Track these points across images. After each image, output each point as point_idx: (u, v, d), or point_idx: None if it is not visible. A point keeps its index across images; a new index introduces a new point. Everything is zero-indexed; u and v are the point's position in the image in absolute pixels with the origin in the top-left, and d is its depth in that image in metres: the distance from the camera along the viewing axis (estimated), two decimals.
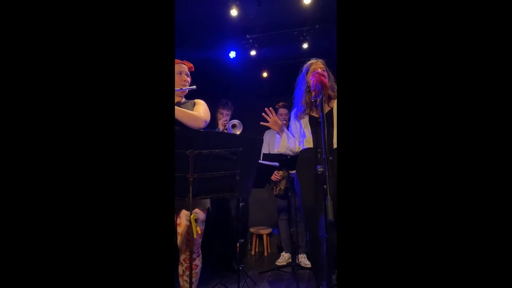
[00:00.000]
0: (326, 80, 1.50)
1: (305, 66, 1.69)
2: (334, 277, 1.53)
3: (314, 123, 1.61)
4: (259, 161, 2.62)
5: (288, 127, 1.75)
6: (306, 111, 1.64)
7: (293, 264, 2.50)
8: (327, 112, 1.61)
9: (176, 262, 1.40)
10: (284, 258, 2.74)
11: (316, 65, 1.63)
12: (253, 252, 3.15)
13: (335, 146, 1.55)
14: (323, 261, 1.50)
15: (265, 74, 3.41)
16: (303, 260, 2.61)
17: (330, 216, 1.09)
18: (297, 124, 1.68)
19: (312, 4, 2.27)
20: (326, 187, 1.15)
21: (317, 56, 1.71)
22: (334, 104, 1.62)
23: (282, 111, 2.79)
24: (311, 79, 1.55)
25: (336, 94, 1.64)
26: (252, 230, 3.20)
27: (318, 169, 1.22)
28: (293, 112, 1.72)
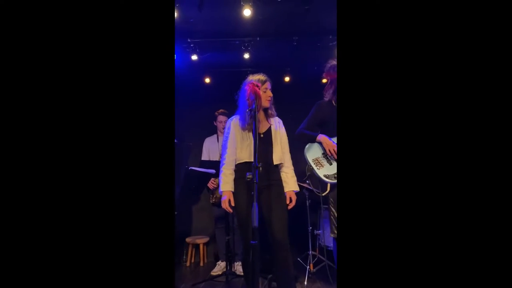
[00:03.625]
0: (259, 91, 1.54)
1: (248, 77, 1.70)
2: (265, 282, 1.53)
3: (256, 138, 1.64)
4: (193, 168, 2.55)
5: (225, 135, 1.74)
6: (248, 122, 1.65)
7: (227, 273, 2.48)
8: (266, 130, 1.66)
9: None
10: (219, 267, 2.69)
11: (256, 77, 1.64)
12: (188, 263, 3.02)
13: (275, 162, 1.61)
14: (254, 267, 1.52)
15: (207, 80, 3.37)
16: (239, 268, 2.60)
17: (255, 223, 1.12)
18: (239, 134, 1.67)
19: (252, 17, 2.35)
20: (253, 194, 1.18)
21: (257, 68, 1.74)
22: (273, 122, 1.68)
23: (222, 118, 2.78)
24: (246, 89, 1.58)
25: (274, 112, 1.69)
26: (188, 240, 3.07)
27: (247, 176, 1.25)
28: (239, 122, 1.71)
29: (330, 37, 2.75)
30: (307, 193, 2.66)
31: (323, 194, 1.68)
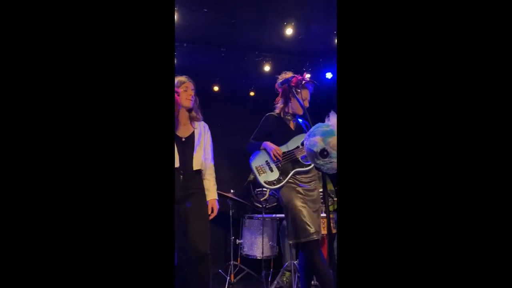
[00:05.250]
0: (177, 97, 1.54)
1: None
2: None
3: (178, 142, 1.58)
4: None
5: None
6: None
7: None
8: (189, 134, 1.62)
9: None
10: None
11: (176, 79, 1.62)
12: None
13: (195, 168, 1.57)
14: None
15: None
16: None
17: None
18: None
19: (178, 22, 2.29)
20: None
21: (184, 74, 1.69)
22: (198, 126, 1.65)
23: None
24: None
25: (200, 116, 1.67)
26: None
27: None
28: None
29: (256, 52, 2.89)
30: (230, 203, 2.67)
31: (261, 200, 1.72)
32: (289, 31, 2.60)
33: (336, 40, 2.74)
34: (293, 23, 2.56)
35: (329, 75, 3.26)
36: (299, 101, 1.61)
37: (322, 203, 1.77)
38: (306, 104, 1.77)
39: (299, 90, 1.65)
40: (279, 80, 1.74)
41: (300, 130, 1.78)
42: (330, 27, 2.66)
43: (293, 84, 1.65)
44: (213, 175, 1.67)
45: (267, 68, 2.97)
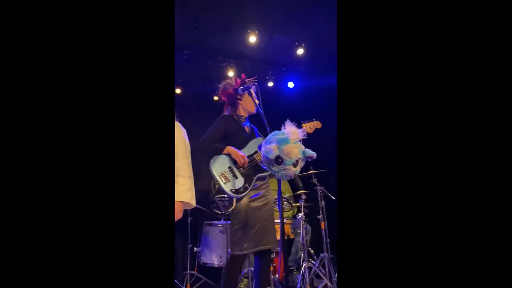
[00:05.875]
0: None
1: None
2: None
3: None
4: None
5: None
6: None
7: None
8: None
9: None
10: None
11: None
12: None
13: None
14: None
15: None
16: None
17: None
18: None
19: None
20: None
21: None
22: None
23: None
24: None
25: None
26: None
27: None
28: None
29: (220, 57, 2.88)
30: (189, 210, 2.59)
31: (229, 210, 1.61)
32: (252, 38, 2.64)
33: (297, 51, 2.84)
34: (256, 32, 2.60)
35: (291, 85, 3.36)
36: (250, 95, 1.59)
37: (282, 209, 1.78)
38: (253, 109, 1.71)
39: (246, 91, 1.64)
40: (220, 89, 1.72)
41: (253, 133, 1.75)
42: (293, 37, 2.75)
43: (236, 86, 1.63)
44: (183, 177, 1.42)
45: (231, 73, 2.97)
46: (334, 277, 2.28)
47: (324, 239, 2.39)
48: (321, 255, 2.37)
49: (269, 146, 1.22)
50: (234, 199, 1.58)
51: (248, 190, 1.59)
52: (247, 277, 2.40)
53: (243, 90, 1.65)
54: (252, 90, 1.66)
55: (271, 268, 2.30)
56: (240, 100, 1.69)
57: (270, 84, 3.25)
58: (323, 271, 2.30)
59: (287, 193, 3.00)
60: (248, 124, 1.77)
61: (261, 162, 1.65)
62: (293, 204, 2.64)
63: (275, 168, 1.22)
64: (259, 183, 1.66)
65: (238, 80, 1.67)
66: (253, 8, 2.36)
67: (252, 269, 2.31)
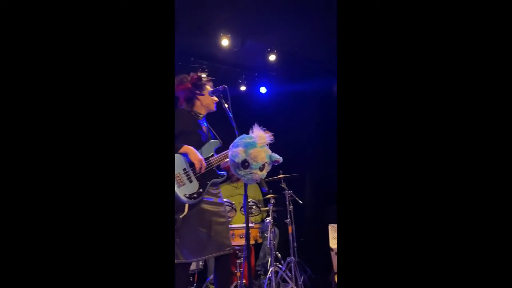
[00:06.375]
0: None
1: None
2: None
3: None
4: None
5: None
6: None
7: None
8: None
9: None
10: None
11: None
12: None
13: None
14: None
15: None
16: None
17: None
18: None
19: None
20: None
21: None
22: None
23: None
24: None
25: None
26: None
27: None
28: None
29: (192, 59, 2.84)
30: None
31: (181, 217, 1.45)
32: (225, 42, 2.63)
33: (269, 57, 2.88)
34: (229, 35, 2.60)
35: (263, 90, 3.39)
36: (219, 98, 1.51)
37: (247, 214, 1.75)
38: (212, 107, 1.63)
39: (205, 87, 1.58)
40: (176, 83, 1.57)
41: (209, 134, 1.65)
42: (265, 43, 2.78)
43: (194, 81, 1.56)
44: None
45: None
46: (300, 281, 2.31)
47: (291, 243, 2.41)
48: (288, 259, 2.39)
49: (236, 149, 1.21)
50: (186, 205, 1.45)
51: (202, 196, 1.48)
52: (213, 283, 2.35)
53: (213, 94, 1.57)
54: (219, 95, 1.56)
55: (238, 274, 2.28)
56: (201, 95, 1.58)
57: (243, 88, 3.25)
58: (289, 275, 2.32)
59: (256, 197, 3.00)
60: (205, 123, 1.66)
61: (217, 166, 1.59)
62: (261, 209, 2.65)
63: (242, 172, 1.22)
64: (212, 188, 1.55)
65: (195, 76, 1.59)
66: (225, 11, 2.36)
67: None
